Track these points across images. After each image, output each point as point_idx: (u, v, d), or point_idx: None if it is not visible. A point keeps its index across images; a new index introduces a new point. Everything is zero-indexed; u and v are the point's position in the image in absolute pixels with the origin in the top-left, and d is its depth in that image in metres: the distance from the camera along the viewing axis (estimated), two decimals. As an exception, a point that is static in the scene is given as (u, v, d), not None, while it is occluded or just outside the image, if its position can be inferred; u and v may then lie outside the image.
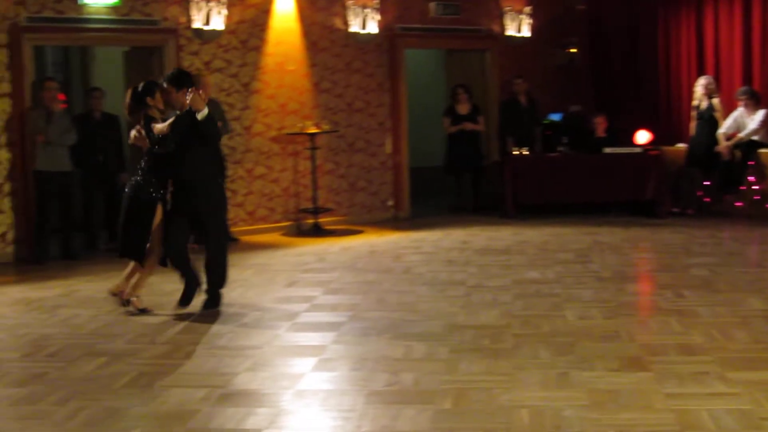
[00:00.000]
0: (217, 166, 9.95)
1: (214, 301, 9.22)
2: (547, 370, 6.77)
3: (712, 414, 5.76)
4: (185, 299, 9.17)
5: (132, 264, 9.15)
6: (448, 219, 15.38)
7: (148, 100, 9.05)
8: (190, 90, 8.74)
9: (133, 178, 9.15)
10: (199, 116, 8.66)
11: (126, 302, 9.12)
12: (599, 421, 5.72)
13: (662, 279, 10.44)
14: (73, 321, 8.83)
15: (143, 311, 9.01)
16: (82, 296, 9.99)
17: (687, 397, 6.11)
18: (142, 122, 9.02)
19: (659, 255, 11.92)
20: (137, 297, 9.12)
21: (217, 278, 9.24)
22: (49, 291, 10.32)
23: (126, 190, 9.13)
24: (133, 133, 9.09)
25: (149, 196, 8.95)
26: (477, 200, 16.38)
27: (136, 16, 13.09)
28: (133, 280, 9.15)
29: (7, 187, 12.33)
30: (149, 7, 13.18)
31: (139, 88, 9.15)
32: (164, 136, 8.78)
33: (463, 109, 16.12)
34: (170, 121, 8.83)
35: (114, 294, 9.21)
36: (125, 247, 9.11)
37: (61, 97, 12.48)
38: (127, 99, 9.22)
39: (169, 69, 13.01)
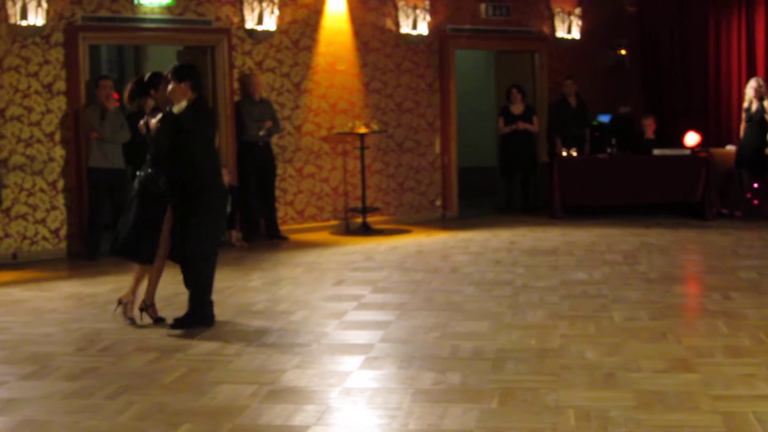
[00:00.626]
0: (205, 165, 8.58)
1: (182, 322, 8.41)
2: (594, 371, 6.77)
3: (759, 416, 5.74)
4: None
5: (139, 267, 8.70)
6: (496, 219, 15.40)
7: (152, 92, 8.65)
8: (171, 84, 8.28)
9: (139, 172, 8.67)
10: (176, 109, 8.27)
11: (145, 308, 8.60)
12: (645, 422, 5.71)
13: (710, 281, 10.41)
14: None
15: (132, 320, 8.60)
16: (133, 292, 10.11)
17: (733, 400, 6.09)
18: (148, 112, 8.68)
19: (707, 257, 11.88)
20: (130, 303, 8.65)
21: (191, 295, 8.51)
22: (101, 286, 10.48)
23: (135, 185, 8.68)
24: (141, 123, 8.67)
25: (158, 188, 8.48)
26: (526, 201, 16.38)
27: (189, 16, 13.24)
28: (145, 284, 8.66)
29: (61, 184, 12.52)
30: (203, 7, 13.32)
31: (145, 78, 8.79)
32: (157, 135, 8.35)
33: (518, 109, 16.14)
34: (158, 118, 8.38)
35: (121, 302, 8.70)
36: (131, 247, 8.63)
37: (115, 95, 12.64)
38: (130, 85, 8.93)
39: (221, 69, 13.23)
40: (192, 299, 8.43)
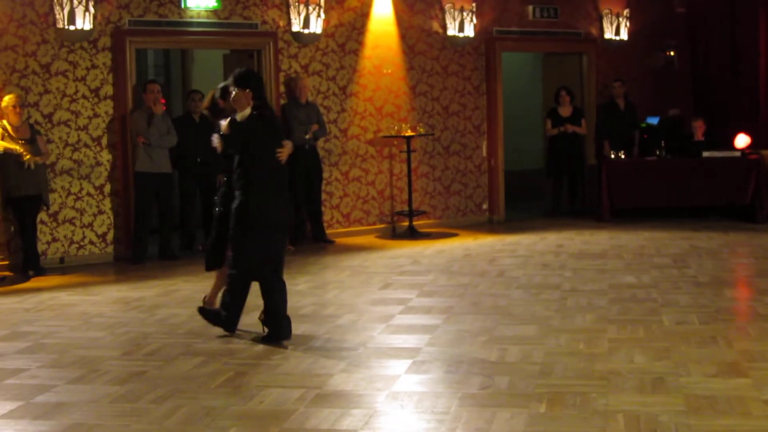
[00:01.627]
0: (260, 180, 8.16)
1: (214, 317, 8.42)
2: (643, 375, 6.70)
3: (812, 422, 5.67)
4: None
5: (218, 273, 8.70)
6: (543, 222, 15.32)
7: (221, 103, 8.54)
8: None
9: (220, 190, 8.64)
10: (239, 117, 8.07)
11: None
12: (696, 427, 5.65)
13: (760, 284, 10.28)
14: (171, 320, 8.99)
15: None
16: (180, 296, 10.16)
17: (786, 405, 6.02)
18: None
19: (758, 260, 11.73)
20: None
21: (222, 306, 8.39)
22: (148, 291, 10.52)
23: (216, 208, 8.59)
24: (216, 139, 8.27)
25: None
26: (573, 204, 16.28)
27: (235, 20, 13.28)
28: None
29: (108, 188, 12.59)
30: (249, 11, 13.35)
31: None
32: (226, 138, 8.13)
33: (566, 111, 16.04)
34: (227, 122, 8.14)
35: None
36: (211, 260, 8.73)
37: (162, 99, 12.68)
38: (210, 98, 8.85)
39: (268, 72, 13.26)
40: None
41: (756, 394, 6.22)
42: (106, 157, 12.57)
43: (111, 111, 12.55)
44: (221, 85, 8.66)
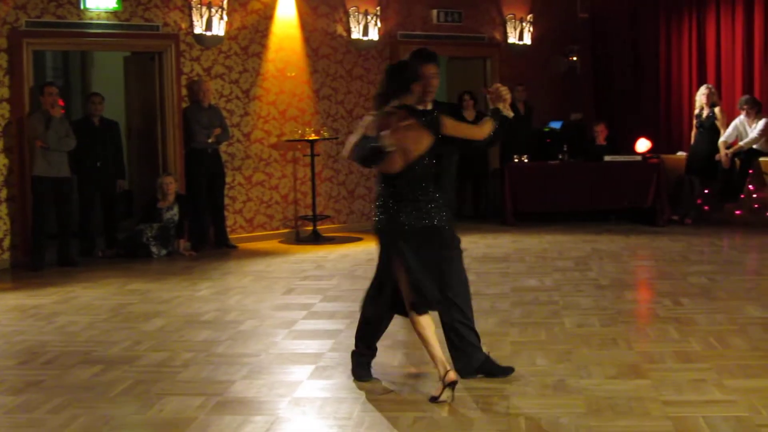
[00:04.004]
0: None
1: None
2: (545, 378, 6.74)
3: (709, 421, 5.74)
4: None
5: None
6: (448, 226, 15.33)
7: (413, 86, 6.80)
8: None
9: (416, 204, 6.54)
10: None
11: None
12: (596, 429, 5.70)
13: (661, 287, 10.42)
14: (69, 328, 8.79)
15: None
16: (79, 303, 9.96)
17: (684, 405, 6.09)
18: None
19: (658, 263, 11.89)
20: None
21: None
22: (46, 298, 10.29)
23: (409, 222, 6.46)
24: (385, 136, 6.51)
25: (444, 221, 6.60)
26: (477, 207, 16.37)
27: (136, 22, 13.10)
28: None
29: (4, 193, 12.32)
30: (150, 12, 13.18)
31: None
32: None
33: (470, 115, 16.05)
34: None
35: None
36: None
37: (61, 102, 12.46)
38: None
39: (169, 75, 13.10)
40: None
41: (655, 395, 6.29)
42: (2, 161, 12.28)
43: (7, 114, 12.27)
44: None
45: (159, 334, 8.42)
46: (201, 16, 13.43)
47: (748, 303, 9.15)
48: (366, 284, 10.04)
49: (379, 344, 7.85)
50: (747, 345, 7.61)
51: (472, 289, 9.83)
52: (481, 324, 8.37)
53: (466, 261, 11.46)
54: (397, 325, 8.51)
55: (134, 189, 14.11)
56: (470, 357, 6.80)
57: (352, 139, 6.66)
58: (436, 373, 6.37)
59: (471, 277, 10.74)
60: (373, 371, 6.96)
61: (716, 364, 7.03)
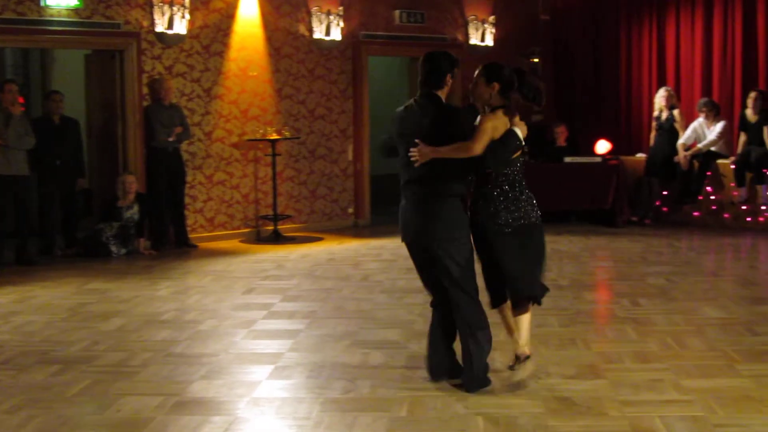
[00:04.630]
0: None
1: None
2: (504, 378, 6.76)
3: (666, 421, 5.80)
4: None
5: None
6: (409, 226, 15.36)
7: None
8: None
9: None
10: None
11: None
12: (554, 428, 5.74)
13: (619, 288, 10.50)
14: (27, 328, 8.73)
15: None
16: (37, 303, 9.88)
17: (641, 405, 6.14)
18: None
19: (617, 264, 11.97)
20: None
21: None
22: (4, 297, 10.20)
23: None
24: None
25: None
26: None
27: (98, 19, 13.01)
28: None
29: (-37, 191, 12.21)
30: (111, 10, 13.10)
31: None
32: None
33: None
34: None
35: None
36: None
37: (21, 99, 12.36)
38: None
39: (130, 73, 13.04)
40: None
41: (612, 395, 6.34)
42: (-40, 159, 12.19)
43: (-34, 111, 12.18)
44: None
45: (118, 334, 8.38)
46: (163, 15, 13.36)
47: (705, 304, 9.24)
48: (327, 284, 10.09)
49: (340, 343, 7.89)
50: (704, 345, 7.69)
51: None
52: (440, 324, 8.40)
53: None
54: (356, 325, 8.54)
55: (94, 188, 14.02)
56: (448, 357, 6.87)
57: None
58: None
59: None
60: (333, 371, 6.98)
61: (673, 364, 7.10)
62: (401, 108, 6.85)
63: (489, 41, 16.81)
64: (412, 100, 6.82)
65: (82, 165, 13.37)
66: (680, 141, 14.71)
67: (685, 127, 14.81)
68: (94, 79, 13.90)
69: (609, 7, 17.16)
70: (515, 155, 6.71)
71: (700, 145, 14.58)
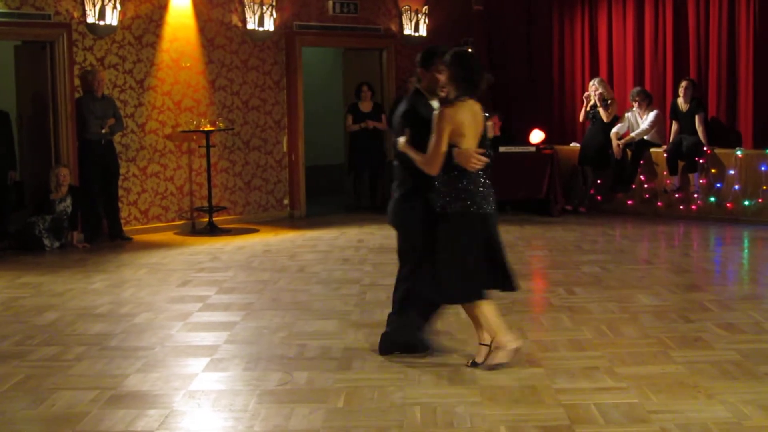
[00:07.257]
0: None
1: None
2: (440, 368, 6.79)
3: (601, 408, 5.85)
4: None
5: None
6: (344, 217, 15.39)
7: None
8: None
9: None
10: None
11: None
12: (490, 417, 5.76)
13: (554, 276, 10.57)
14: (-42, 322, 8.63)
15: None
16: (-32, 296, 9.77)
17: (576, 392, 6.19)
18: None
19: (552, 253, 12.06)
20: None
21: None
22: (-65, 291, 10.08)
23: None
24: None
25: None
26: (374, 199, 16.40)
27: (27, 10, 12.83)
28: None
29: None
30: (41, 1, 12.92)
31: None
32: None
33: (367, 107, 16.13)
34: None
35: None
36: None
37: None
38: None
39: (61, 65, 12.87)
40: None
41: (548, 383, 6.39)
42: None
43: None
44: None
45: (51, 328, 8.29)
46: (94, 5, 13.21)
47: (639, 291, 9.34)
48: (263, 276, 10.06)
49: (276, 335, 7.87)
50: (638, 333, 7.77)
51: (368, 280, 9.88)
52: (377, 315, 8.47)
53: (363, 252, 11.54)
54: (293, 316, 8.53)
55: (25, 180, 13.83)
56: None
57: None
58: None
59: (367, 268, 10.88)
60: (269, 363, 6.98)
61: (608, 351, 7.17)
62: None
63: (423, 31, 16.84)
64: None
65: (13, 157, 13.19)
66: (613, 130, 14.85)
67: (611, 115, 14.95)
68: (25, 71, 13.70)
69: (542, -2, 17.27)
70: None
71: (632, 134, 14.74)
